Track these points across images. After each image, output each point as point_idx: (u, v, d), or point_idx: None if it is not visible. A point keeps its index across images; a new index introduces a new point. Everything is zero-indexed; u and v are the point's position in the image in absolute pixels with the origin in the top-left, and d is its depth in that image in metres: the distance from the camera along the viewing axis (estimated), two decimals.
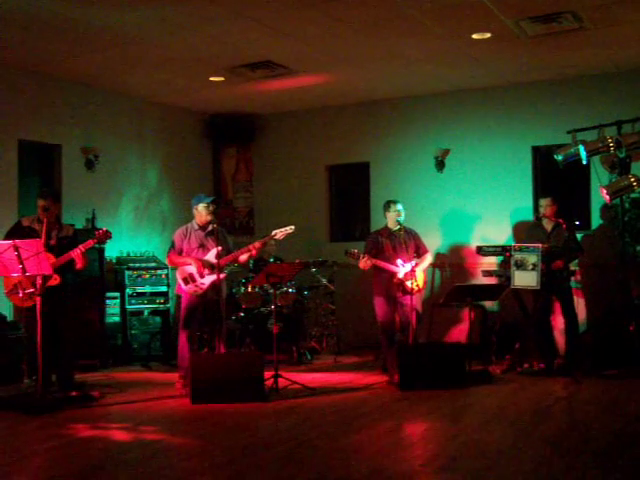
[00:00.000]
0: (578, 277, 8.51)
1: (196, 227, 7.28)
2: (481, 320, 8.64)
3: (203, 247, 7.19)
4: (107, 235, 6.58)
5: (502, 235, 9.10)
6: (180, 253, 7.24)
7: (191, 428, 5.73)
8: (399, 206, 7.75)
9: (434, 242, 9.29)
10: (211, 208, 7.22)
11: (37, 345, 6.05)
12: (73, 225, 7.17)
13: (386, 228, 7.82)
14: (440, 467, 4.39)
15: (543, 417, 5.75)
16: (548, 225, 7.87)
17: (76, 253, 6.44)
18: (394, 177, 9.98)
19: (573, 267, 8.20)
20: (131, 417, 5.90)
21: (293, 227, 7.22)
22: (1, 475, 4.36)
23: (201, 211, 7.24)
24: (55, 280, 6.36)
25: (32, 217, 6.79)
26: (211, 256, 7.07)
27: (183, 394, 6.73)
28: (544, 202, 7.88)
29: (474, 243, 9.07)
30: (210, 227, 7.23)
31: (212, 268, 7.01)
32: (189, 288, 7.12)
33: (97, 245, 8.31)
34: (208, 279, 7.05)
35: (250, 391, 6.37)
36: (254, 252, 7.21)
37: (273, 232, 7.21)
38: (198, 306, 7.17)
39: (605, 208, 8.63)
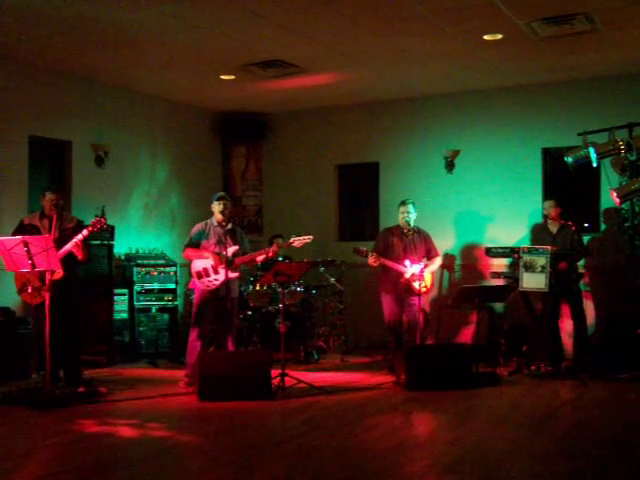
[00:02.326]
0: (587, 280, 8.48)
1: (215, 224, 7.32)
2: (489, 322, 8.61)
3: (221, 244, 7.20)
4: (100, 222, 6.49)
5: (512, 237, 9.03)
6: (197, 247, 7.26)
7: (198, 425, 5.75)
8: (407, 207, 7.78)
9: (443, 243, 9.26)
10: (221, 206, 7.24)
11: (45, 340, 6.08)
12: (82, 221, 7.13)
13: (398, 227, 7.84)
14: (446, 468, 4.38)
15: (549, 419, 5.74)
16: (553, 227, 7.88)
17: (71, 246, 6.42)
18: (403, 177, 9.97)
19: (581, 269, 8.19)
20: (138, 414, 5.91)
21: (311, 237, 7.26)
22: (9, 470, 4.38)
23: (214, 208, 7.29)
24: (58, 274, 6.31)
25: (32, 215, 6.83)
26: (229, 253, 7.10)
27: (188, 392, 6.74)
28: (547, 204, 7.93)
29: (484, 244, 9.05)
30: (230, 225, 7.29)
31: (228, 264, 7.01)
32: (202, 283, 7.15)
33: (104, 241, 8.41)
34: (222, 276, 7.05)
35: (257, 389, 6.38)
36: (270, 254, 7.27)
37: (291, 239, 7.24)
38: (210, 302, 7.18)
39: (607, 212, 8.62)
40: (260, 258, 7.33)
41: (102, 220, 6.53)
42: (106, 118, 9.20)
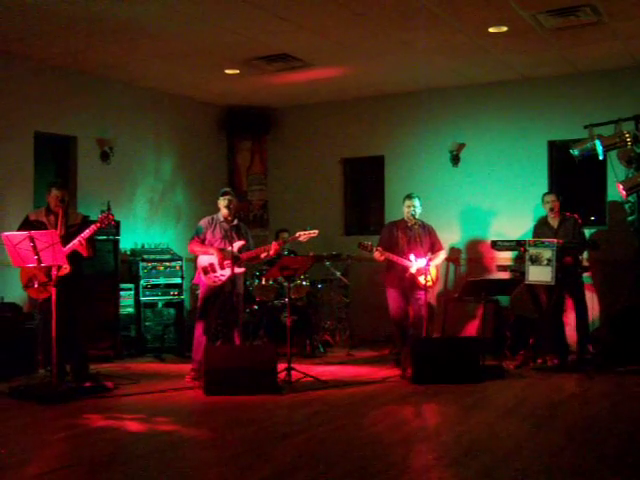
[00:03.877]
0: (590, 273, 8.45)
1: (221, 219, 7.32)
2: (495, 315, 8.60)
3: (227, 239, 7.19)
4: (108, 218, 6.49)
5: (518, 230, 9.00)
6: (203, 242, 7.27)
7: (204, 420, 5.76)
8: (412, 201, 7.72)
9: (449, 236, 9.26)
10: (226, 201, 7.24)
11: (52, 335, 6.09)
12: (88, 217, 7.15)
13: (403, 220, 7.82)
14: (453, 461, 4.38)
15: (556, 413, 5.73)
16: (554, 222, 7.86)
17: (75, 245, 6.42)
18: (409, 171, 9.95)
19: (586, 262, 8.16)
20: (144, 408, 5.93)
21: (317, 231, 7.25)
22: (16, 464, 4.39)
23: (219, 203, 7.30)
24: (65, 269, 6.32)
25: (38, 210, 6.83)
26: (234, 248, 7.10)
27: (194, 386, 6.75)
28: (549, 198, 7.89)
29: (490, 238, 9.01)
30: (235, 221, 7.29)
31: (233, 260, 7.01)
32: (208, 278, 7.15)
33: (110, 236, 8.44)
34: (228, 271, 7.05)
35: (263, 383, 6.39)
36: (272, 253, 7.26)
37: (297, 234, 7.25)
38: (215, 297, 7.19)
39: (613, 205, 8.58)
40: (263, 255, 7.33)
41: (110, 217, 6.53)
42: (111, 113, 9.21)
